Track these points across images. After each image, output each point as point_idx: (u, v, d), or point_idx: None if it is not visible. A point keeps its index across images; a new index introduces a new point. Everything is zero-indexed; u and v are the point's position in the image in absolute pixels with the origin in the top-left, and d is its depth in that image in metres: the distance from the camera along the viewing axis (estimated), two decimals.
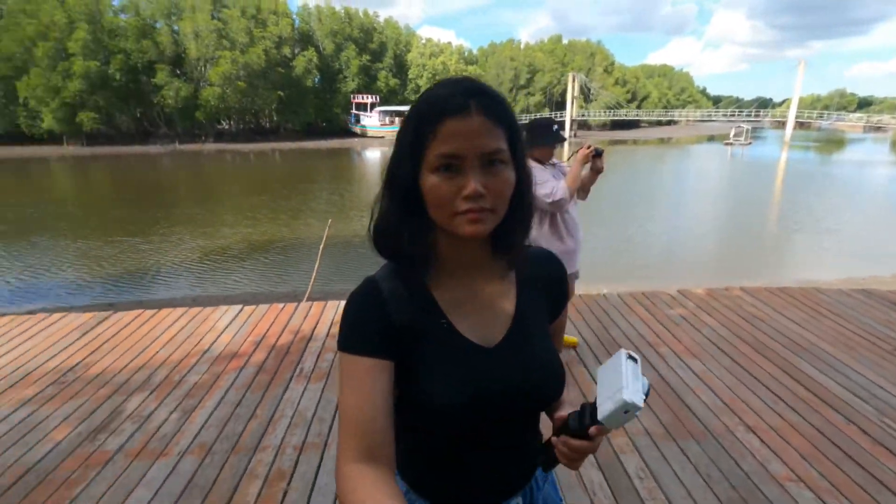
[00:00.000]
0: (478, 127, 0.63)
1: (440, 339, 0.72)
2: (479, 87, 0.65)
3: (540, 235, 2.86)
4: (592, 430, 0.67)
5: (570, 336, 3.40)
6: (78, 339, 3.55)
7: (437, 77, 53.59)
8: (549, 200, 2.74)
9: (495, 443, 0.77)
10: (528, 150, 2.84)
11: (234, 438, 2.41)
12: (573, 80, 58.36)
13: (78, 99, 37.82)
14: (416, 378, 0.70)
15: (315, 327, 3.65)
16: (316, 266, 5.42)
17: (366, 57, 51.55)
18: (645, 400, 0.66)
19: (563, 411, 0.79)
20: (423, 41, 57.59)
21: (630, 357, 0.69)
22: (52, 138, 39.32)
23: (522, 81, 60.84)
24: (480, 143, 0.63)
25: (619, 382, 0.66)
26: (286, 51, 44.84)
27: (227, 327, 3.67)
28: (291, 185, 18.76)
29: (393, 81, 53.78)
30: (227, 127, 45.89)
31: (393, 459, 0.66)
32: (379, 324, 0.69)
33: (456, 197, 0.63)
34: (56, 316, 4.05)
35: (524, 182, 0.70)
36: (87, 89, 37.74)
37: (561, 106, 60.89)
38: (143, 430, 2.49)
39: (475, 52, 66.04)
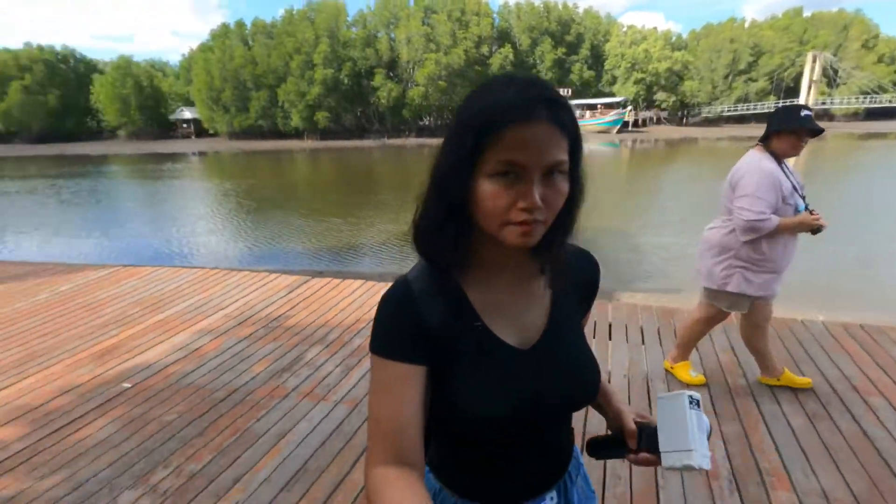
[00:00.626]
0: (544, 136, 0.60)
1: (475, 341, 0.70)
2: (548, 93, 0.62)
3: (745, 248, 2.42)
4: (647, 456, 0.75)
5: (800, 377, 2.74)
6: (285, 295, 4.40)
7: (637, 66, 49.84)
8: (747, 218, 2.29)
9: (530, 442, 0.76)
10: (765, 142, 2.39)
11: None
12: (813, 61, 48.21)
13: (317, 101, 45.86)
14: (451, 381, 0.69)
15: None
16: None
17: (561, 50, 50.78)
18: (708, 437, 0.71)
19: (614, 400, 0.84)
20: (625, 29, 54.02)
21: (692, 401, 0.71)
22: (297, 134, 48.63)
23: (742, 66, 52.46)
24: (545, 154, 0.60)
25: (686, 438, 0.68)
26: (484, 49, 46.95)
27: None
28: None
29: (587, 74, 51.94)
30: (427, 123, 50.39)
31: (422, 464, 0.67)
32: (412, 328, 0.68)
33: (512, 206, 0.61)
34: (273, 275, 5.08)
35: (576, 192, 0.68)
36: (323, 93, 45.49)
37: (792, 93, 50.91)
38: (314, 376, 2.99)
39: (685, 35, 59.33)
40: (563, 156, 0.62)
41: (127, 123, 53.36)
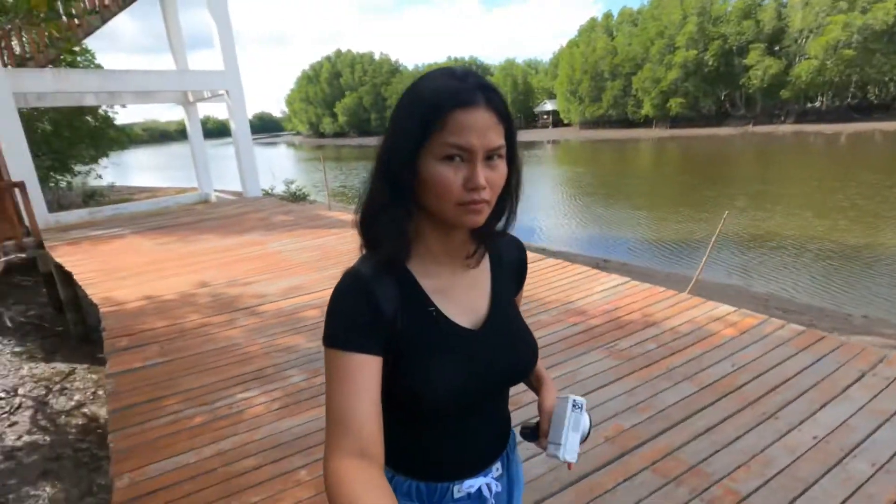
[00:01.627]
0: (486, 121, 0.65)
1: (430, 326, 0.73)
2: (483, 81, 0.67)
3: None
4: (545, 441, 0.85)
5: None
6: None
7: None
8: None
9: (479, 418, 0.82)
10: None
11: None
12: None
13: (672, 87, 42.99)
14: (408, 366, 0.72)
15: (683, 322, 3.47)
16: (703, 260, 4.77)
17: None
18: (586, 439, 0.84)
19: (544, 389, 0.90)
20: None
21: (575, 405, 0.82)
22: (645, 122, 47.11)
23: None
24: (486, 137, 0.65)
25: (560, 434, 0.81)
26: None
27: (602, 291, 4.07)
28: (861, 178, 14.73)
29: None
30: (818, 104, 39.90)
31: (382, 456, 0.66)
32: (366, 318, 0.69)
33: (461, 188, 0.66)
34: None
35: (514, 176, 0.73)
36: (681, 77, 42.20)
37: None
38: None
39: None
40: (502, 140, 0.67)
41: None
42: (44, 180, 9.88)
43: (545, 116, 62.51)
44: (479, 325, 0.78)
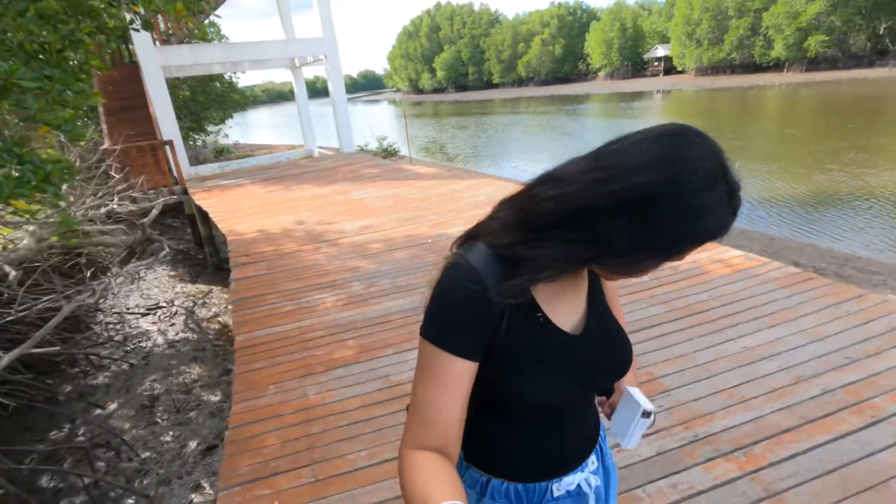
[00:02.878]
0: None
1: (537, 332, 0.73)
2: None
3: None
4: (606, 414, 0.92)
5: None
6: None
7: None
8: None
9: (575, 414, 0.84)
10: None
11: None
12: None
13: (812, 22, 37.17)
14: (513, 370, 0.72)
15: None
16: None
17: None
18: (652, 423, 0.87)
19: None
20: None
21: (644, 414, 0.83)
22: (775, 66, 41.51)
23: None
24: None
25: (626, 433, 0.85)
26: None
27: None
28: None
29: None
30: None
31: (458, 457, 0.68)
32: (477, 323, 0.68)
33: None
34: None
35: None
36: (826, 9, 36.25)
37: None
38: None
39: None
40: None
41: (606, 65, 59.65)
42: (185, 139, 11.95)
43: (656, 63, 57.43)
44: (580, 329, 0.78)
